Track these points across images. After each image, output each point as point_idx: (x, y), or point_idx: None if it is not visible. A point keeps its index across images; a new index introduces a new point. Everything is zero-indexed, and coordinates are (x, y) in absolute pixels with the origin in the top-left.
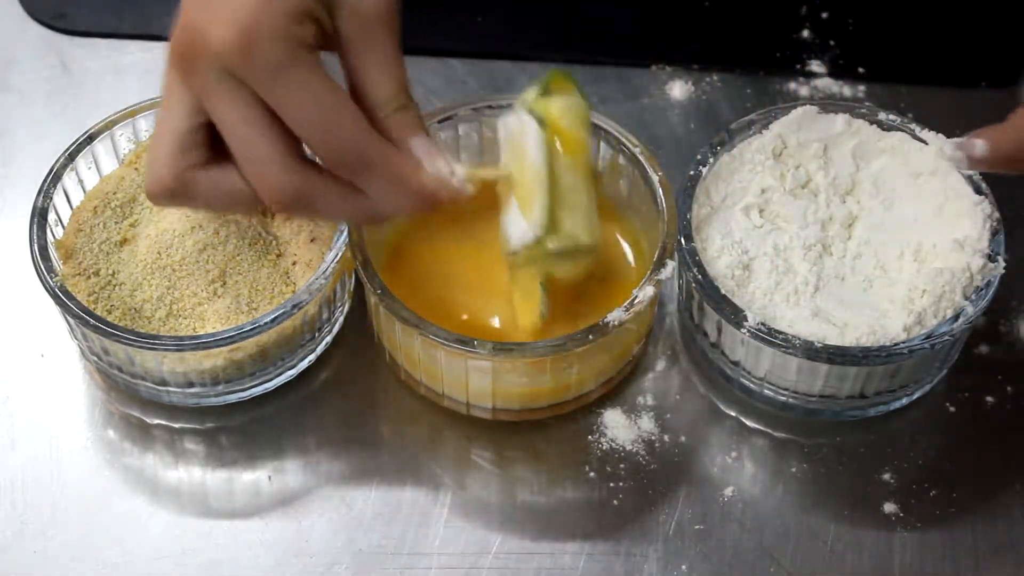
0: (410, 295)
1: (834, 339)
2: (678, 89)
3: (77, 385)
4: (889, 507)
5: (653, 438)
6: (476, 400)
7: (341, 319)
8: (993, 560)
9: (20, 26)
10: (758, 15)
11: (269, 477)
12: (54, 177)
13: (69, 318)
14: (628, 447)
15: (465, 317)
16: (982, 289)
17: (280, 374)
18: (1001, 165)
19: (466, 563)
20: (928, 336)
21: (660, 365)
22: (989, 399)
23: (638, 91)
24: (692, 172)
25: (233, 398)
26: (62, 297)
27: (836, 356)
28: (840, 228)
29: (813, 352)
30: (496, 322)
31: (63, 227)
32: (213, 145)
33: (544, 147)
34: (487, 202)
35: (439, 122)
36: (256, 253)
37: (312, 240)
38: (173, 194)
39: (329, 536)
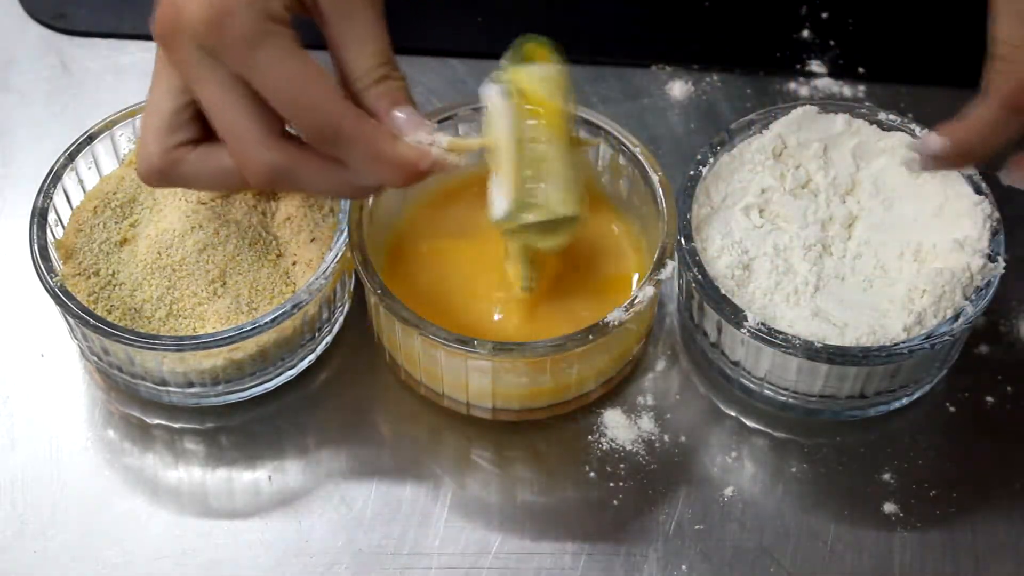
0: (410, 295)
1: (834, 339)
2: (678, 89)
3: (77, 385)
4: (889, 507)
5: (653, 438)
6: (476, 400)
7: (341, 319)
8: (993, 560)
9: (20, 26)
10: (758, 15)
11: (269, 477)
12: (54, 177)
13: (69, 318)
14: (628, 447)
15: (465, 317)
16: (982, 289)
17: (280, 374)
18: (958, 160)
19: (466, 563)
20: (928, 336)
21: (660, 365)
22: (989, 399)
23: (638, 91)
24: (692, 172)
25: (233, 398)
26: (62, 297)
27: (836, 356)
28: (840, 228)
29: (813, 352)
30: (496, 322)
31: (63, 227)
32: (203, 124)
33: (511, 117)
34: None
35: (439, 122)
36: (256, 253)
37: (312, 240)
38: (162, 174)
39: (329, 536)
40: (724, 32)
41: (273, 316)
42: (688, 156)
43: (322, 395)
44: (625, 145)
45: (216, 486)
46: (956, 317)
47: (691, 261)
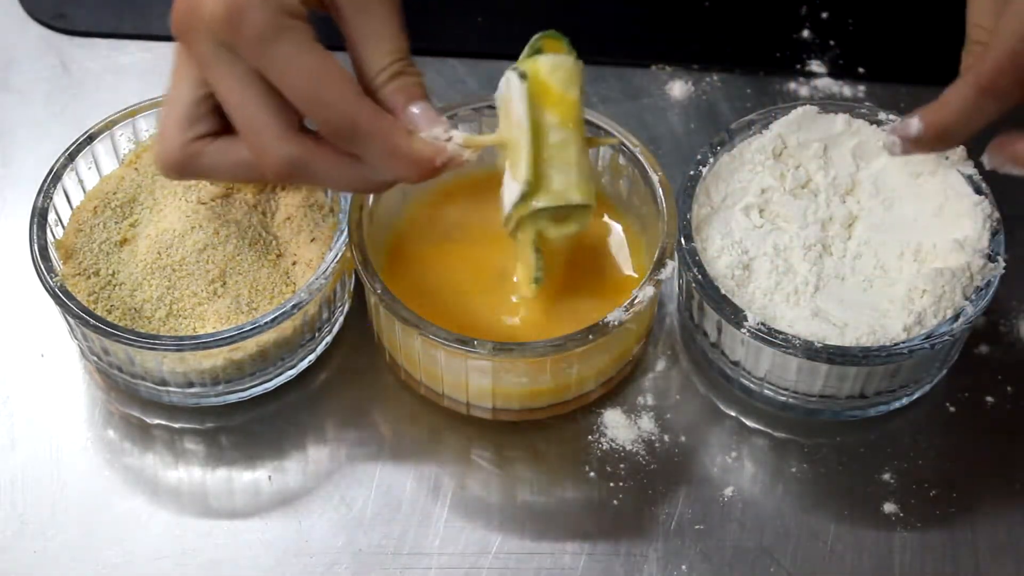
0: (410, 295)
1: (834, 339)
2: (678, 89)
3: (77, 385)
4: (889, 507)
5: (653, 438)
6: (476, 400)
7: (341, 319)
8: (993, 560)
9: (20, 26)
10: (758, 15)
11: (269, 477)
12: (54, 177)
13: (69, 318)
14: (628, 447)
15: (465, 317)
16: (982, 289)
17: (280, 374)
18: (936, 143)
19: (466, 563)
20: (928, 336)
21: (660, 365)
22: (989, 399)
23: (638, 91)
24: (692, 172)
25: (233, 398)
26: (62, 297)
27: (836, 356)
28: (840, 228)
29: (813, 352)
30: (496, 322)
31: (63, 227)
32: (221, 117)
33: (527, 101)
34: (487, 201)
35: None
36: (256, 253)
37: (312, 240)
38: (182, 166)
39: (329, 536)
40: (724, 32)
41: (273, 316)
42: (688, 156)
43: (322, 395)
44: (625, 145)
45: (216, 486)
46: (956, 317)
47: (691, 261)
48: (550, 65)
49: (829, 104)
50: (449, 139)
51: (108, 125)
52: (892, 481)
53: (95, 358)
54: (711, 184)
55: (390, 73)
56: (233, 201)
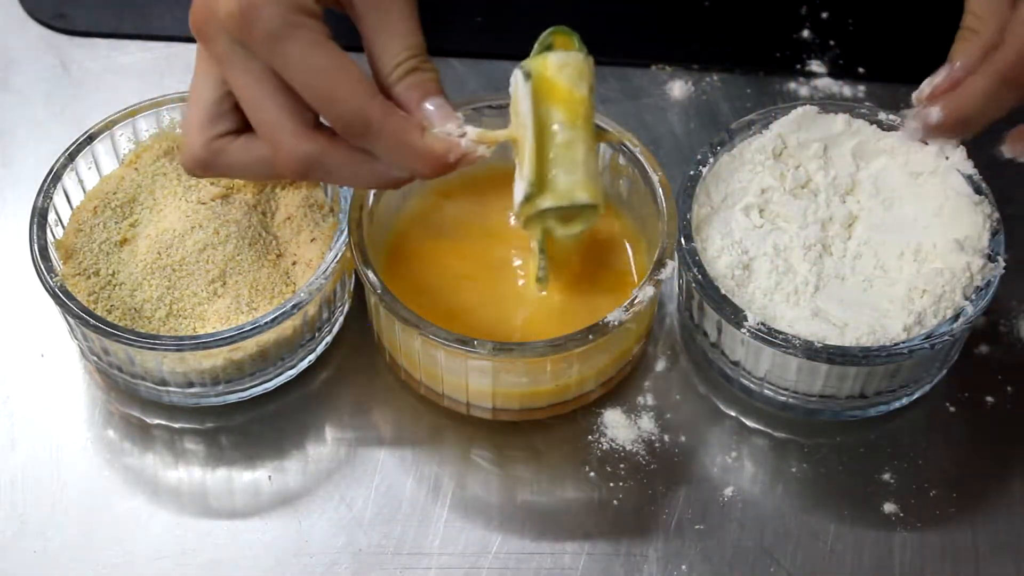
0: (410, 295)
1: (834, 339)
2: (678, 89)
3: (77, 385)
4: (889, 507)
5: (653, 438)
6: (476, 400)
7: (341, 319)
8: (993, 560)
9: (20, 26)
10: (758, 15)
11: (269, 477)
12: (54, 177)
13: (69, 318)
14: (628, 447)
15: (465, 317)
16: (982, 289)
17: (280, 374)
18: (956, 130)
19: (466, 563)
20: (928, 336)
21: (660, 365)
22: (989, 399)
23: (638, 91)
24: (692, 172)
25: (233, 398)
26: (62, 297)
27: (836, 356)
28: (840, 228)
29: (813, 352)
30: (496, 322)
31: (63, 227)
32: (243, 115)
33: (531, 99)
34: (487, 200)
35: None
36: (256, 253)
37: (312, 240)
38: (206, 164)
39: (329, 536)
40: (724, 32)
41: (273, 316)
42: (688, 156)
43: (322, 395)
44: (625, 145)
45: (216, 486)
46: (956, 317)
47: (691, 261)
48: (558, 62)
49: (829, 104)
50: (463, 135)
51: (108, 125)
52: (892, 481)
53: (95, 358)
54: (711, 184)
55: (405, 69)
56: (233, 201)
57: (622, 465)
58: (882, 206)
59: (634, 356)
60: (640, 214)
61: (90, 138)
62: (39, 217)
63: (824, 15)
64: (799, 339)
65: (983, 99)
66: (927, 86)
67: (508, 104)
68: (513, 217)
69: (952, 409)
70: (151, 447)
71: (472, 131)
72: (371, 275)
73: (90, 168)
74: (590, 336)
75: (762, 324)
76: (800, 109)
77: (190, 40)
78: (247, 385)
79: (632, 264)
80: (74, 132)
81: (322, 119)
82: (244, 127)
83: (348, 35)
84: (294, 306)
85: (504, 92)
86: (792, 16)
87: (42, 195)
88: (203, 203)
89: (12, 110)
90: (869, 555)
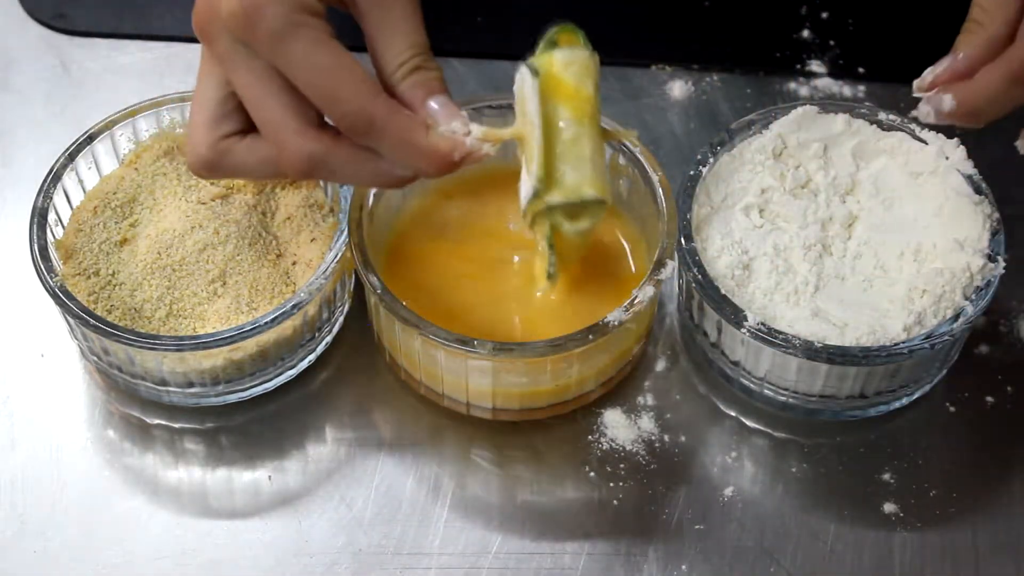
0: (410, 295)
1: (834, 339)
2: (678, 89)
3: (77, 385)
4: (889, 507)
5: (653, 438)
6: (476, 400)
7: (341, 319)
8: (993, 560)
9: (20, 26)
10: (758, 15)
11: (269, 477)
12: (54, 177)
13: (69, 318)
14: (628, 447)
15: (465, 317)
16: (982, 289)
17: (280, 374)
18: (966, 120)
19: (466, 563)
20: (928, 336)
21: (660, 365)
22: (989, 399)
23: (638, 91)
24: (692, 172)
25: (233, 398)
26: (62, 297)
27: (836, 356)
28: (840, 228)
29: (813, 352)
30: (496, 321)
31: (63, 227)
32: (247, 114)
33: (538, 96)
34: (487, 200)
35: None
36: (256, 253)
37: (312, 240)
38: (212, 165)
39: (329, 536)
40: (724, 32)
41: (273, 316)
42: (688, 156)
43: (322, 395)
44: (625, 145)
45: (216, 486)
46: (956, 317)
47: (691, 261)
48: (565, 59)
49: (829, 104)
50: (468, 133)
51: (108, 125)
52: (892, 481)
53: (95, 358)
54: (711, 184)
55: (409, 67)
56: (233, 201)
57: (622, 465)
58: (882, 206)
59: (634, 356)
60: (640, 214)
61: (90, 138)
62: (39, 217)
63: (824, 15)
64: (799, 339)
65: (994, 94)
66: (929, 74)
67: (508, 104)
68: (521, 215)
69: (952, 409)
70: (151, 447)
71: (477, 129)
72: (371, 275)
73: (90, 168)
74: (590, 336)
75: (762, 324)
76: (800, 109)
77: (190, 40)
78: (247, 385)
79: (632, 264)
80: (74, 132)
81: (326, 118)
82: (249, 127)
83: (350, 35)
84: (294, 306)
85: (504, 92)
86: (792, 16)
87: (42, 195)
88: (203, 203)
89: (12, 110)
90: (869, 555)
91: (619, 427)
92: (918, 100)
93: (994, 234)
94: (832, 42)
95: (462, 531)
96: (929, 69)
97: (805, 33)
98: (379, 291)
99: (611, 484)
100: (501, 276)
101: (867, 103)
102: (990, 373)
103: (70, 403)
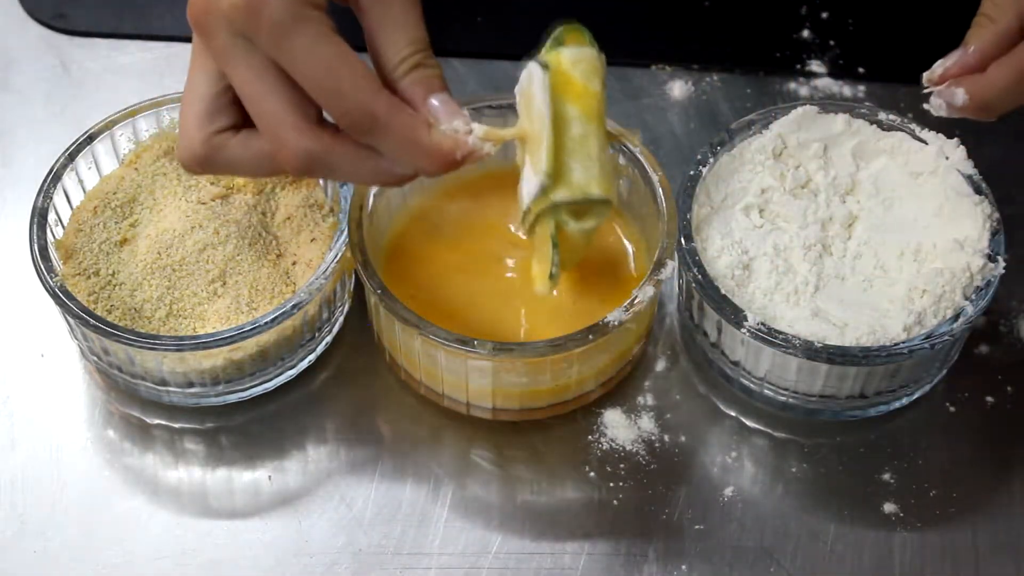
0: (410, 295)
1: (834, 339)
2: (678, 89)
3: (77, 385)
4: (889, 507)
5: (653, 438)
6: (476, 400)
7: (341, 319)
8: (993, 560)
9: (20, 26)
10: (758, 15)
11: (269, 477)
12: (54, 177)
13: (69, 318)
14: (628, 447)
15: (465, 317)
16: (982, 289)
17: (280, 374)
18: (976, 114)
19: (466, 563)
20: (928, 336)
21: (660, 365)
22: (989, 399)
23: (638, 91)
24: (692, 172)
25: (233, 398)
26: (62, 297)
27: (836, 356)
28: (840, 228)
29: (813, 352)
30: (496, 322)
31: (63, 227)
32: (242, 109)
33: (548, 91)
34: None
35: None
36: (256, 253)
37: (312, 240)
38: (204, 160)
39: (329, 536)
40: (724, 32)
41: (273, 316)
42: (688, 156)
43: (322, 395)
44: (625, 145)
45: (216, 486)
46: (956, 317)
47: (691, 261)
48: (572, 57)
49: (829, 104)
50: (469, 132)
51: (108, 125)
52: (892, 481)
53: (95, 358)
54: (711, 184)
55: (409, 65)
56: (233, 201)
57: (622, 465)
58: (882, 206)
59: (634, 356)
60: (640, 214)
61: (90, 138)
62: (39, 217)
63: (824, 15)
64: (799, 339)
65: (1005, 88)
66: (939, 67)
67: (509, 104)
68: (521, 216)
69: (952, 409)
70: (151, 447)
71: (479, 128)
72: (371, 275)
73: (90, 168)
74: (590, 336)
75: (762, 324)
76: (800, 109)
77: (190, 40)
78: (247, 385)
79: (632, 264)
80: (74, 132)
81: (325, 115)
82: (243, 122)
83: (350, 35)
84: (294, 306)
85: (504, 92)
86: (792, 16)
87: (42, 195)
88: (203, 203)
89: (12, 110)
90: (869, 555)
91: (619, 427)
92: (918, 100)
93: (994, 234)
94: (832, 42)
95: (462, 531)
96: (939, 62)
97: (805, 33)
98: (379, 291)
99: (611, 484)
100: (501, 276)
101: (867, 103)
102: (990, 373)
103: (70, 403)
